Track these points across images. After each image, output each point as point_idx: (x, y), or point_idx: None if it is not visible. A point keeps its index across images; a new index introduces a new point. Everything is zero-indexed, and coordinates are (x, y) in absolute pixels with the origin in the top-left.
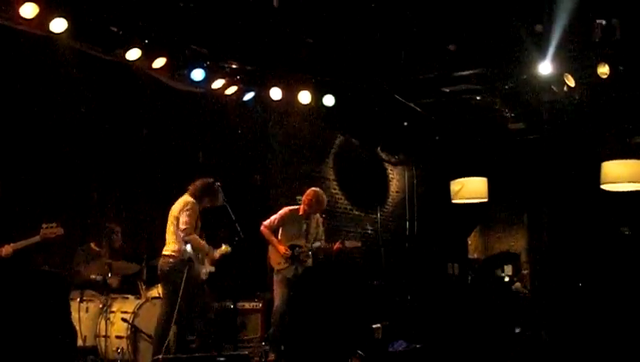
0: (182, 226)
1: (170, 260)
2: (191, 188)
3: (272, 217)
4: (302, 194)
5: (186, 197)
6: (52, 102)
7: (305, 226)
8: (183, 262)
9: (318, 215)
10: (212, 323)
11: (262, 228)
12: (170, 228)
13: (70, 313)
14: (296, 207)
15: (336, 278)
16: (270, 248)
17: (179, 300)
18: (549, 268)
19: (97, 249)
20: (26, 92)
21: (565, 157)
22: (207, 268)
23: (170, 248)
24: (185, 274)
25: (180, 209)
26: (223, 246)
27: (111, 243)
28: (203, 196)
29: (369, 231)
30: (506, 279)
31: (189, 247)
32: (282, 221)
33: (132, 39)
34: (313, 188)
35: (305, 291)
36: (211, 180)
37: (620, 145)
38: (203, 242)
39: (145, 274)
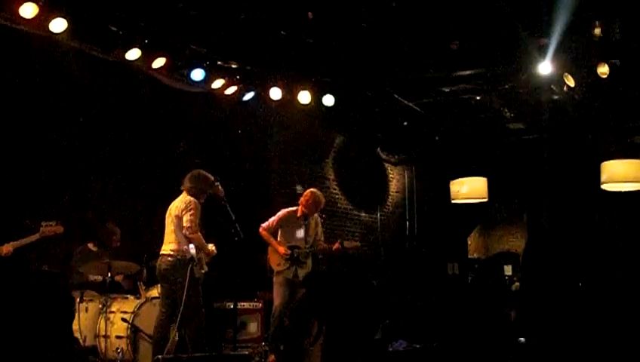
0: (186, 225)
1: (169, 259)
2: (185, 186)
3: (270, 219)
4: (301, 193)
5: (186, 197)
6: (52, 102)
7: (303, 227)
8: (182, 261)
9: (316, 215)
10: (203, 325)
11: (260, 230)
12: (169, 227)
13: (73, 316)
14: (294, 208)
15: (340, 280)
16: (270, 249)
17: (184, 298)
18: (548, 268)
19: (95, 249)
20: (26, 92)
21: (565, 157)
22: (203, 269)
23: (169, 247)
24: (188, 274)
25: (183, 208)
26: (210, 246)
27: (109, 244)
28: (199, 191)
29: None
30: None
31: (192, 247)
32: (280, 223)
33: (132, 39)
34: (311, 189)
35: (309, 294)
36: (202, 174)
37: (619, 145)
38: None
39: (145, 274)
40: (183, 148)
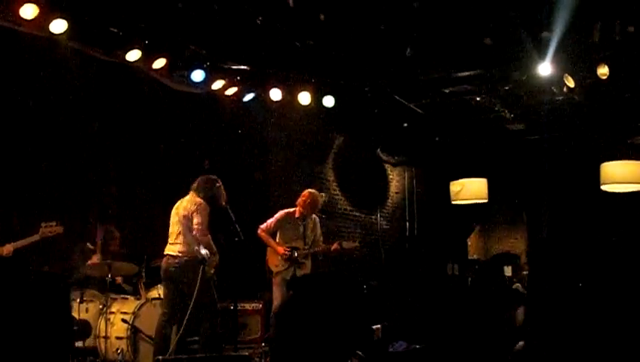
0: (196, 227)
1: (176, 261)
2: (196, 187)
3: (269, 221)
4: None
5: (195, 198)
6: (52, 102)
7: (302, 228)
8: (190, 262)
9: (315, 216)
10: (216, 325)
11: (259, 231)
12: (176, 227)
13: (70, 313)
14: (292, 209)
15: (333, 281)
16: (268, 250)
17: (194, 299)
18: (548, 268)
19: (93, 248)
20: (26, 93)
21: (565, 158)
22: (212, 270)
23: (176, 248)
24: (200, 275)
25: (193, 210)
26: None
27: (107, 246)
28: (209, 196)
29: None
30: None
31: (202, 248)
32: (279, 224)
33: (132, 40)
34: (309, 190)
35: (302, 295)
36: (214, 178)
37: (619, 146)
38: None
39: (145, 275)
40: (207, 165)
